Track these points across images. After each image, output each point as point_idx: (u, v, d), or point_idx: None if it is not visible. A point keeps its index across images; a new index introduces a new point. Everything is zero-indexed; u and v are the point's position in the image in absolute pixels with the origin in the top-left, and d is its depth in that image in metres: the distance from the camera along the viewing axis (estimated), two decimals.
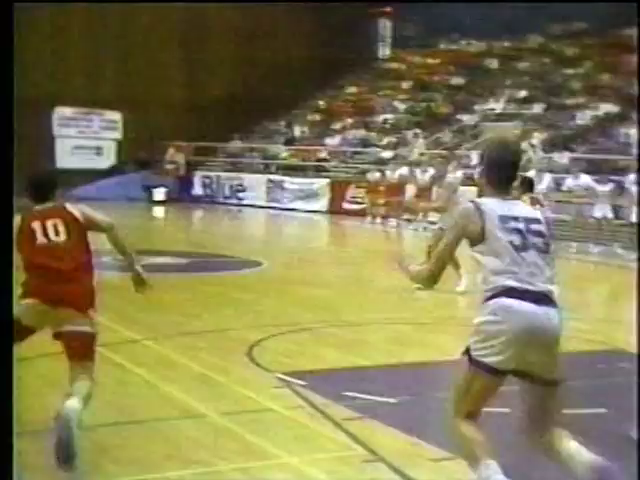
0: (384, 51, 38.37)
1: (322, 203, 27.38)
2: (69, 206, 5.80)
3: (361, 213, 25.31)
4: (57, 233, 5.63)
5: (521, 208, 4.68)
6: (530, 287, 4.40)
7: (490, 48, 33.43)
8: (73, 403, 5.24)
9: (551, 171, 21.34)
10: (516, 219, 4.55)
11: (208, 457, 5.22)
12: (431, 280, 4.70)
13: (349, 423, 5.88)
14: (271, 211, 27.86)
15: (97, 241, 6.19)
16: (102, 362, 7.23)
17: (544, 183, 19.64)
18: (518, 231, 4.53)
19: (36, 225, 5.62)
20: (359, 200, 26.07)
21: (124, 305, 9.94)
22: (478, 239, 4.47)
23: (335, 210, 26.74)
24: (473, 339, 4.44)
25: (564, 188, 20.13)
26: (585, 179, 19.31)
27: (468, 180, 20.51)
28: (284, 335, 8.58)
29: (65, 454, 5.03)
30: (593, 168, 20.63)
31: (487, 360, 4.38)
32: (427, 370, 7.85)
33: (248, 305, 10.62)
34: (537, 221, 4.62)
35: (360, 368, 7.08)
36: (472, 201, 4.63)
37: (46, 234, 5.60)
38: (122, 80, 30.69)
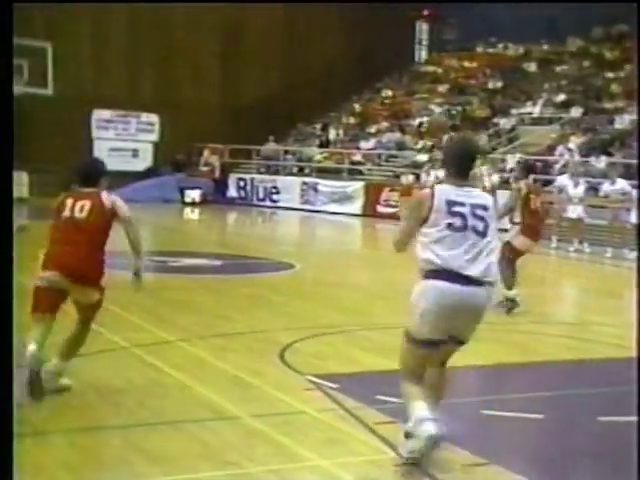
0: (421, 54, 38.33)
1: (356, 206, 27.38)
2: (104, 194, 6.50)
3: (395, 216, 25.26)
4: (81, 211, 6.35)
5: (471, 195, 5.30)
6: (460, 269, 5.09)
7: (529, 51, 33.22)
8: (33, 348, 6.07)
9: (588, 175, 21.18)
10: (462, 204, 5.21)
11: (240, 459, 5.25)
12: (397, 249, 5.57)
13: (381, 427, 5.89)
14: (305, 213, 27.91)
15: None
16: (137, 363, 7.32)
17: (580, 187, 19.52)
18: (461, 215, 5.19)
19: (69, 202, 6.41)
20: (393, 203, 26.05)
21: (158, 306, 10.03)
22: (425, 219, 5.20)
23: (369, 213, 26.74)
24: (413, 320, 5.21)
25: (601, 193, 19.98)
26: (622, 184, 19.13)
27: (504, 184, 20.48)
28: (316, 337, 8.60)
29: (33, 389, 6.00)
30: (630, 173, 20.41)
31: (423, 337, 5.19)
32: (459, 375, 7.83)
33: (280, 307, 10.65)
34: (483, 207, 5.28)
35: (392, 372, 7.08)
36: (431, 187, 5.39)
37: (72, 210, 6.36)
38: (159, 83, 30.92)
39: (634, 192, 18.74)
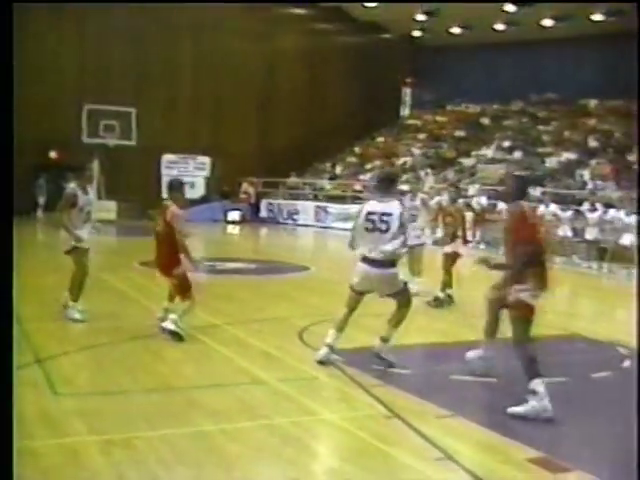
0: (405, 111, 38.28)
1: None
2: (171, 208, 7.27)
3: None
4: (159, 225, 7.31)
5: (383, 206, 6.34)
6: (370, 255, 6.31)
7: (484, 110, 33.26)
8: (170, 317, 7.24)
9: (527, 201, 21.13)
10: (374, 213, 6.32)
11: (270, 413, 5.27)
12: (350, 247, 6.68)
13: (375, 389, 5.90)
14: (318, 229, 27.88)
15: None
16: (193, 340, 7.34)
17: None
18: (372, 221, 6.32)
19: (158, 218, 7.38)
20: None
21: (208, 298, 10.02)
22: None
23: None
24: (352, 280, 6.49)
25: (538, 213, 19.91)
26: (553, 207, 19.15)
27: (467, 207, 20.42)
28: (326, 322, 8.47)
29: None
30: (558, 199, 20.51)
31: (355, 287, 6.52)
32: (433, 349, 7.84)
33: (299, 300, 10.62)
34: (389, 214, 6.30)
35: None
36: (364, 202, 6.65)
37: (158, 224, 7.34)
38: (211, 133, 30.99)
39: (561, 213, 18.82)
